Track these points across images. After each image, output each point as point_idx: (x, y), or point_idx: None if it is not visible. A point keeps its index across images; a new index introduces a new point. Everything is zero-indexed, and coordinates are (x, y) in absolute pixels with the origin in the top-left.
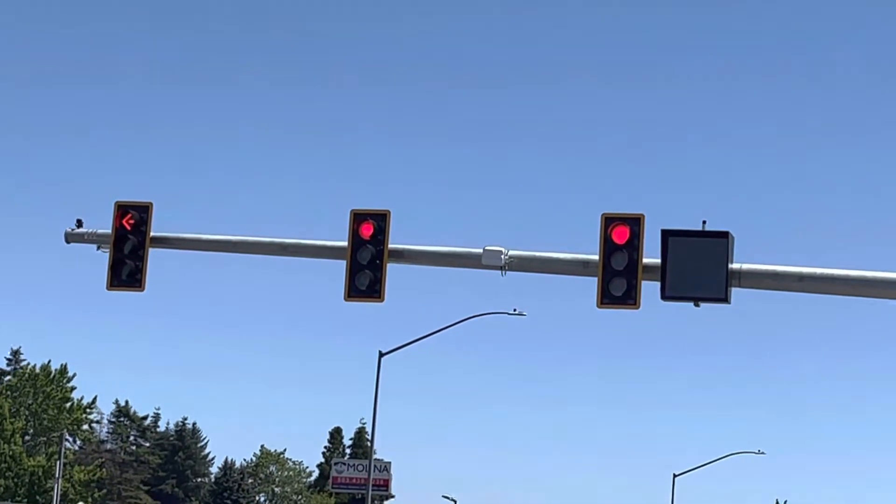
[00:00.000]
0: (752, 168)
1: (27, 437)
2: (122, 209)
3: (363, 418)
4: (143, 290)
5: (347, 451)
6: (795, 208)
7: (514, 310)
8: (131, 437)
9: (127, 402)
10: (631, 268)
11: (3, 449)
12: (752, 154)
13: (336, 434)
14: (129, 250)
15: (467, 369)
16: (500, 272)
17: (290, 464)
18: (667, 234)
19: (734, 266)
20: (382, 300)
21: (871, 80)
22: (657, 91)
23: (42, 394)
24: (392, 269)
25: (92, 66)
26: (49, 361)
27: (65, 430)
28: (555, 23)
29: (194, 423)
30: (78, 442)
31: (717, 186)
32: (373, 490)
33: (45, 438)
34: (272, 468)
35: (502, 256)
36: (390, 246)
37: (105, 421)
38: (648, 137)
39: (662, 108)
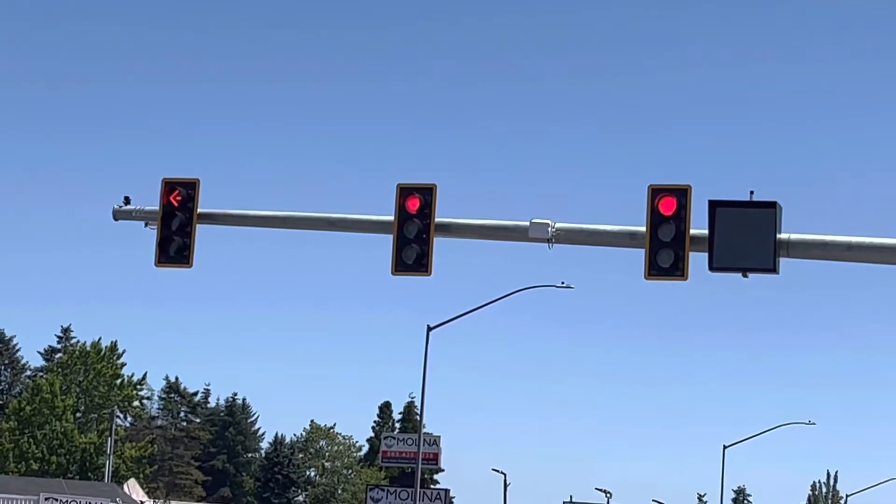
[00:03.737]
0: (800, 137)
1: (78, 415)
2: (169, 186)
3: (412, 392)
4: (191, 267)
5: (397, 425)
6: (844, 177)
7: (562, 282)
8: (182, 414)
9: (177, 378)
10: (678, 239)
11: (55, 426)
12: (799, 124)
13: (385, 408)
14: (176, 227)
15: (515, 342)
16: (546, 245)
17: (340, 438)
18: (714, 205)
19: (782, 236)
20: (430, 274)
21: None
22: (703, 61)
23: (93, 371)
24: (439, 243)
25: (139, 46)
26: (99, 339)
27: (115, 407)
28: None
29: (244, 399)
30: (129, 418)
31: (765, 156)
32: (422, 464)
33: (96, 415)
34: (322, 443)
35: (549, 229)
36: (437, 219)
37: (155, 397)
38: (695, 108)
39: (708, 79)
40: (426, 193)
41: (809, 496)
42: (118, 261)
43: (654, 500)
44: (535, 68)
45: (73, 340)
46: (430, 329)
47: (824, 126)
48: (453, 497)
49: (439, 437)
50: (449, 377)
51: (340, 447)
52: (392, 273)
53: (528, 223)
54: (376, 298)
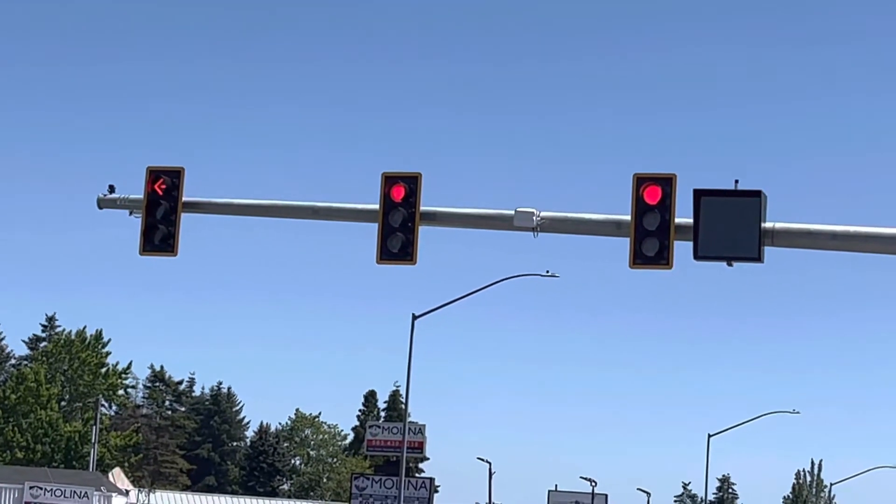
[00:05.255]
0: (785, 126)
1: (63, 403)
2: (153, 174)
3: (397, 381)
4: (175, 255)
5: (382, 413)
6: (829, 167)
7: (547, 271)
8: (167, 402)
9: (162, 366)
10: (663, 228)
11: (40, 415)
12: (784, 113)
13: (370, 397)
14: (161, 215)
15: (500, 331)
16: (532, 233)
17: (325, 427)
18: (699, 194)
19: (767, 225)
20: (415, 263)
21: None
22: (688, 50)
23: (77, 360)
24: (424, 232)
25: (123, 33)
26: (84, 327)
27: (100, 396)
28: None
29: (229, 388)
30: (114, 407)
31: (750, 145)
32: (408, 452)
33: (80, 404)
34: (307, 432)
35: (534, 218)
36: (422, 208)
37: (140, 386)
38: (680, 97)
39: (694, 67)
40: (411, 182)
41: (794, 485)
42: (103, 249)
43: (638, 489)
44: (519, 56)
45: (58, 329)
46: (415, 318)
47: (810, 115)
48: (438, 486)
49: (424, 425)
50: (434, 366)
51: (325, 436)
52: (377, 262)
53: (513, 212)
54: (361, 287)
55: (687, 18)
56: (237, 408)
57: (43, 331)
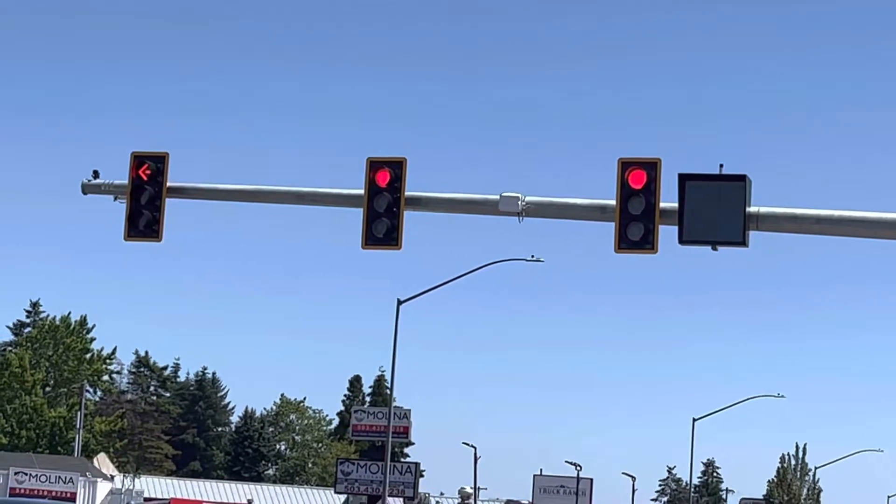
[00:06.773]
0: (770, 110)
1: (48, 389)
2: (138, 159)
3: (382, 366)
4: (160, 241)
5: (367, 399)
6: (814, 151)
7: (532, 256)
8: (151, 388)
9: (147, 352)
10: (648, 212)
11: (25, 400)
12: (769, 96)
13: (355, 382)
14: (146, 201)
15: (485, 316)
16: (517, 218)
17: (310, 412)
18: (684, 178)
19: (752, 209)
20: (400, 248)
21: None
22: (675, 33)
23: (62, 345)
24: (409, 217)
25: (106, 16)
26: (69, 313)
27: (85, 381)
28: None
29: (214, 373)
30: (98, 393)
31: (735, 130)
32: (393, 437)
33: (65, 390)
34: (292, 417)
35: (519, 202)
36: (407, 193)
37: (125, 371)
38: (666, 80)
39: (680, 50)
40: (396, 167)
41: (779, 468)
42: (87, 235)
43: (623, 473)
44: (504, 41)
45: (43, 314)
46: (400, 303)
47: (795, 99)
48: (423, 470)
49: (409, 410)
50: (419, 351)
51: (310, 421)
52: (362, 247)
53: (498, 197)
54: (346, 272)
55: (665, 4)
56: (222, 393)
57: (27, 316)
